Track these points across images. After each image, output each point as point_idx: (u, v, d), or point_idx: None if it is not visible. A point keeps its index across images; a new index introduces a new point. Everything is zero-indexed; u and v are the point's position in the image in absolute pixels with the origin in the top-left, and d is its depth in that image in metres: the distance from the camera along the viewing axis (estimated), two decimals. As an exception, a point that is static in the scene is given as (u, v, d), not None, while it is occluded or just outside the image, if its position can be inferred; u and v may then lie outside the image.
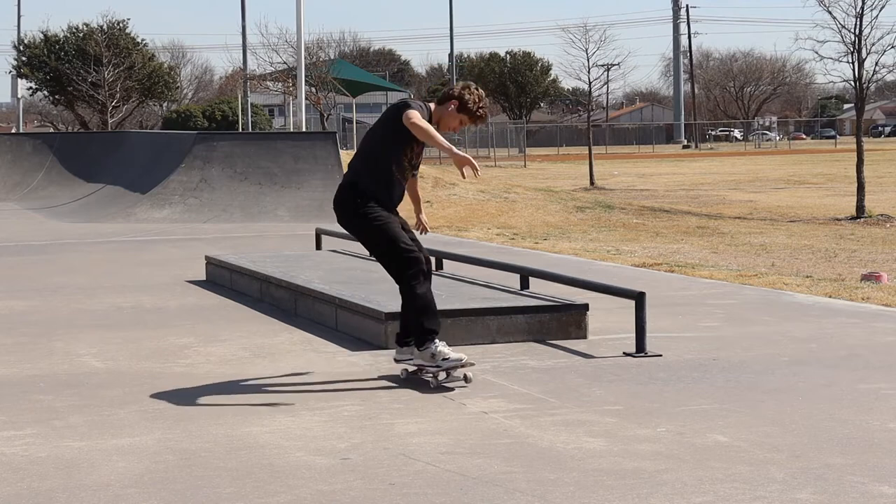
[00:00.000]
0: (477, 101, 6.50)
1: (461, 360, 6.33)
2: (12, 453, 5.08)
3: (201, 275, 11.32)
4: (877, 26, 33.35)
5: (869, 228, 21.07)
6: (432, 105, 6.58)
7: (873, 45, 24.95)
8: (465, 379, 6.39)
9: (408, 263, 6.29)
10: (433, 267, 6.52)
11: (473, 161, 6.10)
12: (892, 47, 25.72)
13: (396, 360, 6.56)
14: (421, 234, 6.70)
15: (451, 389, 6.21)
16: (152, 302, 9.83)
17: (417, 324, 6.37)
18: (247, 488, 4.53)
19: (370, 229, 6.41)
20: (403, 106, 6.31)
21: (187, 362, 7.16)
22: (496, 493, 4.43)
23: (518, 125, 74.09)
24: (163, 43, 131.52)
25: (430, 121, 6.39)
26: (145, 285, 10.95)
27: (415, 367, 6.49)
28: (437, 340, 6.36)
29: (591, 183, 36.62)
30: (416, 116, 6.18)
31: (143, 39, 58.80)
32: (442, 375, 6.36)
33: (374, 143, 6.50)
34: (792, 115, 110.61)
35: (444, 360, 6.32)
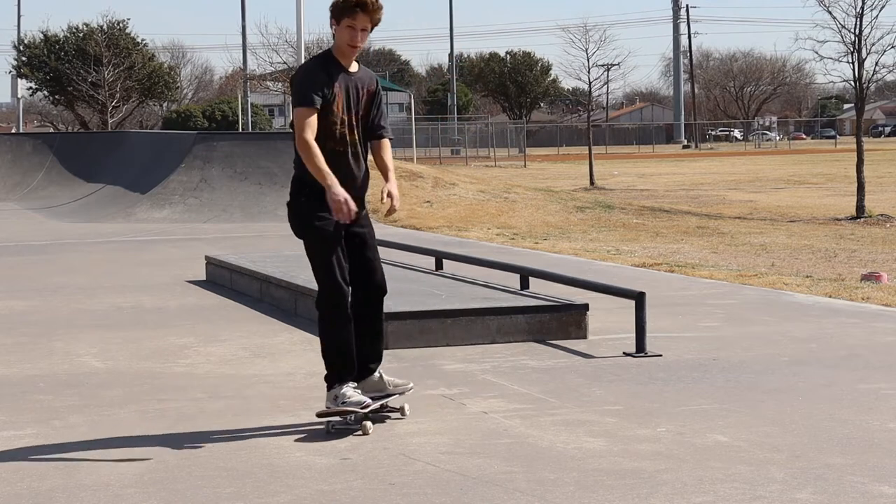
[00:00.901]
0: None
1: (362, 403, 5.37)
2: (12, 453, 5.08)
3: (201, 275, 11.32)
4: (877, 26, 33.37)
5: (869, 228, 21.06)
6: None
7: (873, 45, 24.95)
8: (402, 412, 5.64)
9: (328, 296, 5.40)
10: (382, 295, 5.57)
11: (349, 203, 5.29)
12: (892, 47, 25.72)
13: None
14: (387, 213, 5.67)
15: (356, 432, 5.34)
16: (152, 302, 9.83)
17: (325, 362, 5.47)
18: (247, 488, 4.53)
19: (309, 245, 5.58)
20: (295, 96, 5.47)
21: (187, 362, 7.16)
22: (496, 493, 4.43)
23: (518, 125, 74.08)
24: (163, 43, 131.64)
25: (335, 65, 5.40)
26: (145, 285, 10.95)
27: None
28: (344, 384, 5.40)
29: (591, 183, 36.62)
30: (301, 131, 5.44)
31: (143, 39, 58.90)
32: (352, 418, 5.39)
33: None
34: (792, 115, 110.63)
35: (343, 403, 5.35)
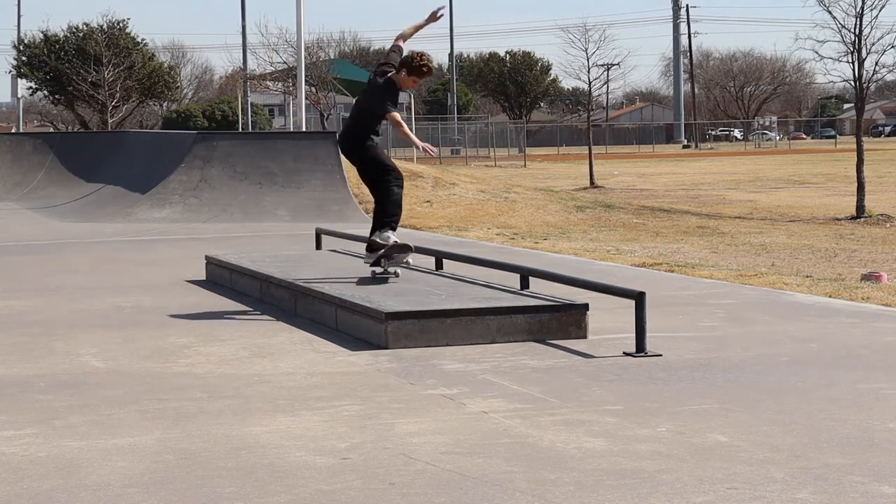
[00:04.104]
0: (419, 60, 8.81)
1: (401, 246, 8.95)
2: (12, 453, 5.08)
3: (201, 275, 11.32)
4: (877, 26, 33.31)
5: (869, 228, 21.06)
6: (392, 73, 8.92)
7: (873, 44, 24.92)
8: (395, 274, 8.97)
9: (396, 171, 9.00)
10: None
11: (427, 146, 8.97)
12: (892, 47, 25.68)
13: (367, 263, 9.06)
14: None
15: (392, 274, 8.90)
16: (152, 302, 9.83)
17: (385, 213, 8.95)
18: (247, 488, 4.53)
19: (370, 158, 8.97)
20: (391, 101, 8.95)
21: (187, 362, 7.15)
22: (496, 493, 4.43)
23: (518, 125, 74.10)
24: (163, 43, 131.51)
25: (395, 86, 8.94)
26: (145, 285, 10.95)
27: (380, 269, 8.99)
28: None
29: (591, 183, 36.62)
30: (397, 117, 8.91)
31: (143, 39, 58.90)
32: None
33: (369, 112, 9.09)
34: (792, 115, 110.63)
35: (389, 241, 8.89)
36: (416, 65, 8.82)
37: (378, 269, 9.06)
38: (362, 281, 8.91)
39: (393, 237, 8.93)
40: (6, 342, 7.97)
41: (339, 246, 11.60)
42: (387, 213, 8.97)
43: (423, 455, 4.96)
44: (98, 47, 50.31)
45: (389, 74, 8.95)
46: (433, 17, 9.23)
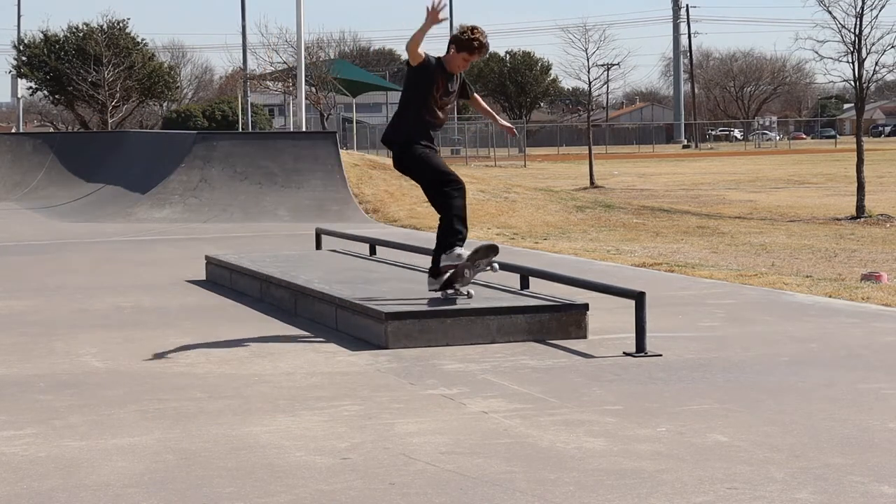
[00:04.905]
0: (469, 33, 7.66)
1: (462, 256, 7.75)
2: (12, 453, 5.08)
3: (201, 275, 11.32)
4: (877, 26, 33.31)
5: (869, 228, 21.06)
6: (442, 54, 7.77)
7: (873, 44, 24.92)
8: (492, 268, 7.96)
9: (451, 181, 7.78)
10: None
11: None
12: (892, 47, 25.68)
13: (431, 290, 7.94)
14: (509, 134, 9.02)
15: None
16: (152, 302, 9.83)
17: (451, 229, 7.78)
18: (247, 488, 4.53)
19: (422, 167, 7.81)
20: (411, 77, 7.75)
21: (187, 362, 7.15)
22: (496, 493, 4.43)
23: (518, 125, 74.11)
24: (163, 43, 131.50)
25: (444, 68, 7.72)
26: (145, 285, 10.95)
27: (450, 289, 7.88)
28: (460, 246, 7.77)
29: (591, 183, 36.61)
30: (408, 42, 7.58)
31: (143, 39, 58.90)
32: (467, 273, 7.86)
33: (402, 99, 7.93)
34: (792, 115, 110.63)
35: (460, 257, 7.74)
36: (467, 38, 7.66)
37: (450, 291, 7.96)
38: (433, 302, 7.90)
39: (463, 252, 7.82)
40: (6, 342, 7.97)
41: (339, 246, 11.61)
42: (451, 231, 7.83)
43: (423, 455, 4.96)
44: (98, 47, 50.30)
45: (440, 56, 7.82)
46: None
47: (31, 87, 56.94)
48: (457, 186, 7.76)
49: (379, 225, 18.42)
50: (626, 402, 5.91)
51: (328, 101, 41.52)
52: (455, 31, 7.80)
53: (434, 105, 7.75)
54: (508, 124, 8.48)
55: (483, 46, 7.68)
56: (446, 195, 7.74)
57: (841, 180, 36.27)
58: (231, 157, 20.50)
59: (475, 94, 8.18)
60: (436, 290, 7.91)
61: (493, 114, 8.53)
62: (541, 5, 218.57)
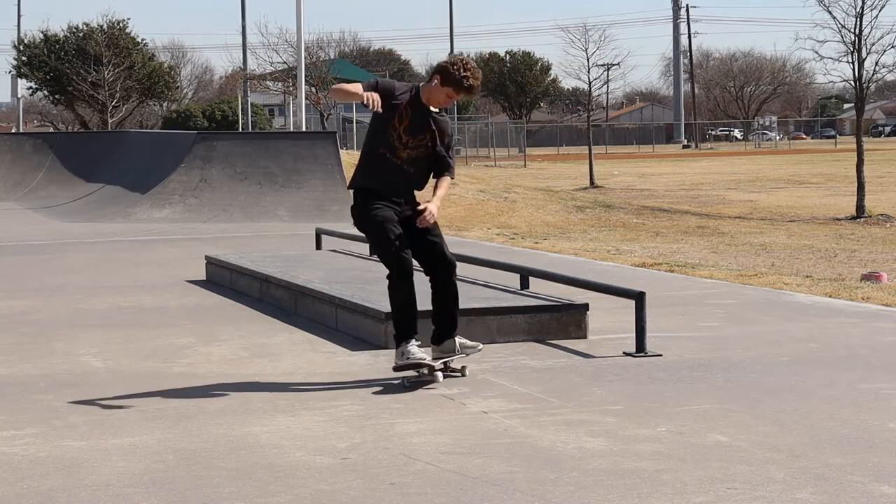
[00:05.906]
0: (461, 68, 6.20)
1: (425, 358, 6.29)
2: (12, 453, 5.08)
3: (201, 275, 11.32)
4: (877, 26, 33.33)
5: (869, 228, 21.07)
6: (422, 84, 6.42)
7: (873, 44, 24.97)
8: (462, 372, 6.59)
9: (391, 265, 6.34)
10: (451, 269, 6.56)
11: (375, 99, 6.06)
12: (892, 47, 25.74)
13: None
14: (419, 223, 6.47)
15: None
16: (152, 302, 9.83)
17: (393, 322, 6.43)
18: (247, 488, 4.53)
19: (369, 231, 6.53)
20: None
21: (187, 362, 7.15)
22: (496, 493, 4.43)
23: (518, 125, 74.11)
24: (163, 43, 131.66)
25: (415, 97, 6.26)
26: (145, 285, 10.95)
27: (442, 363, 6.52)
28: (409, 341, 6.28)
29: (591, 183, 36.62)
30: (336, 85, 6.33)
31: (143, 39, 58.79)
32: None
33: (366, 138, 6.54)
34: (792, 115, 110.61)
35: (408, 358, 6.25)
36: (459, 76, 6.22)
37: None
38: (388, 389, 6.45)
39: (414, 353, 6.27)
40: (6, 342, 7.97)
41: (339, 246, 11.60)
42: (393, 319, 6.43)
43: (423, 455, 4.96)
44: (98, 47, 50.30)
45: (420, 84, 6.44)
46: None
47: (31, 87, 56.96)
48: (397, 273, 6.27)
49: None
50: (626, 402, 5.91)
51: (328, 101, 41.53)
52: (445, 60, 6.37)
53: (395, 142, 6.31)
54: (430, 207, 6.61)
55: (472, 89, 6.26)
56: (388, 280, 6.39)
57: (841, 180, 36.27)
58: (231, 157, 20.50)
59: (449, 160, 6.64)
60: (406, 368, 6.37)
61: (439, 194, 6.86)
62: (541, 5, 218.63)
